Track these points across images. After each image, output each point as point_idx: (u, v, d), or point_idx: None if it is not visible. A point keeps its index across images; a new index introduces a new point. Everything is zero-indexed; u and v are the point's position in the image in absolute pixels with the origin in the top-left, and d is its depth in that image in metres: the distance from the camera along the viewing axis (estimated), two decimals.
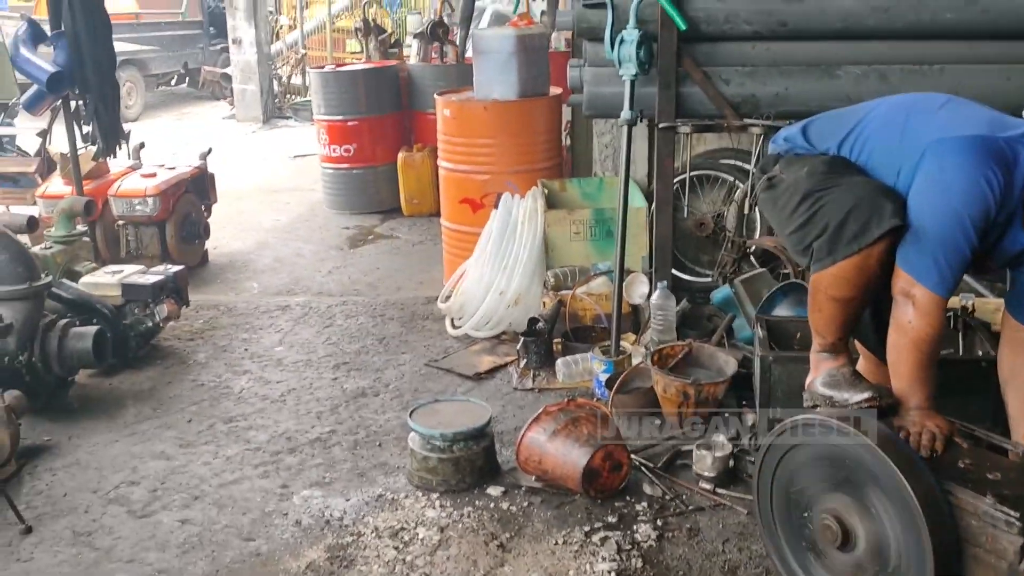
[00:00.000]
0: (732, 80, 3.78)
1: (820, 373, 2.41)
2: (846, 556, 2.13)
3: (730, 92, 3.77)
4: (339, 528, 2.87)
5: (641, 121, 3.81)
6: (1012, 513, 1.87)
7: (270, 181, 8.64)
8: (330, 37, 14.15)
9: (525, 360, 4.02)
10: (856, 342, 2.72)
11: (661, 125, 3.80)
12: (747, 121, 3.75)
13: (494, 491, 3.06)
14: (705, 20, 3.71)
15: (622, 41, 3.64)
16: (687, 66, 3.74)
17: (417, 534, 2.82)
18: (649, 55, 3.68)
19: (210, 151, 6.18)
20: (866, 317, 2.49)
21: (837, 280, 2.22)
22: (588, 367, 3.82)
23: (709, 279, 4.63)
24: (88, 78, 4.88)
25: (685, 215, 4.57)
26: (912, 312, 2.13)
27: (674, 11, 3.60)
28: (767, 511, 2.36)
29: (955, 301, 3.40)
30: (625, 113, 3.69)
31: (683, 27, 3.61)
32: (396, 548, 2.75)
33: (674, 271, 4.83)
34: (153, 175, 5.51)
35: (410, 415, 3.18)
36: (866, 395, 2.24)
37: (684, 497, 3.00)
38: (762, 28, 3.70)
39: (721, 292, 4.12)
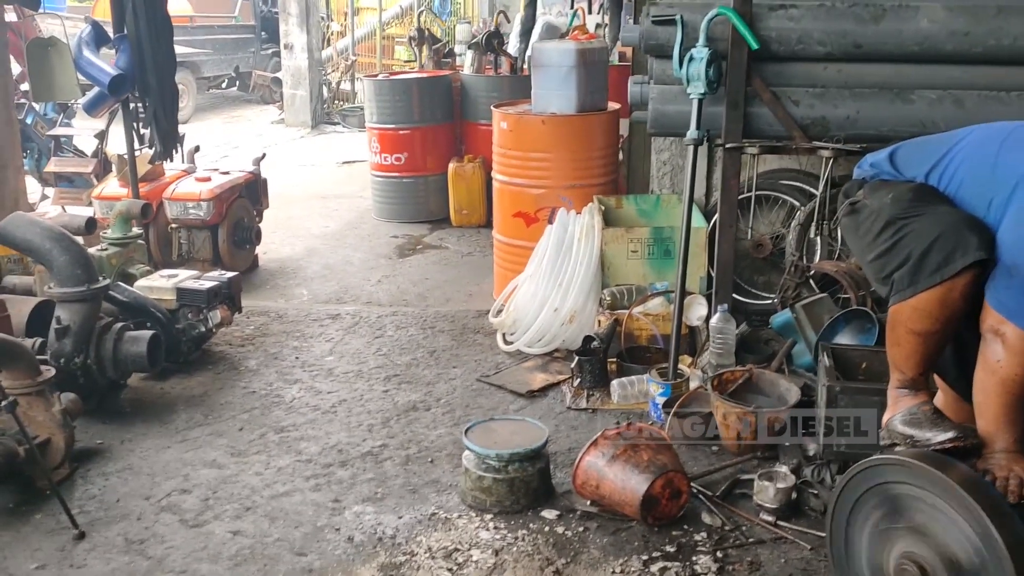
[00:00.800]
0: (802, 101, 3.69)
1: (899, 410, 2.32)
2: None
3: (799, 113, 3.69)
4: (392, 546, 2.82)
5: (708, 141, 3.73)
6: None
7: (319, 187, 8.67)
8: (380, 44, 14.27)
9: (579, 379, 3.96)
10: (936, 376, 2.62)
11: (728, 145, 3.72)
12: (816, 143, 3.66)
13: (549, 514, 3.00)
14: (777, 40, 3.63)
15: (691, 59, 3.58)
16: (756, 86, 3.66)
17: (471, 556, 2.77)
18: (718, 74, 3.61)
19: (263, 156, 6.20)
20: (948, 350, 2.39)
21: (918, 313, 2.13)
22: (644, 389, 3.75)
23: (766, 302, 4.54)
24: (148, 81, 4.92)
25: (744, 235, 4.47)
26: (1002, 351, 2.04)
27: (746, 30, 3.53)
28: (841, 553, 2.27)
29: None
30: (692, 132, 3.62)
31: (755, 46, 3.54)
32: (450, 570, 2.70)
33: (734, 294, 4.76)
34: (208, 179, 5.54)
35: (465, 433, 3.14)
36: (950, 435, 2.15)
37: (744, 529, 2.92)
38: (835, 49, 3.62)
39: (781, 316, 4.02)
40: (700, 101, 3.60)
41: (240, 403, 3.83)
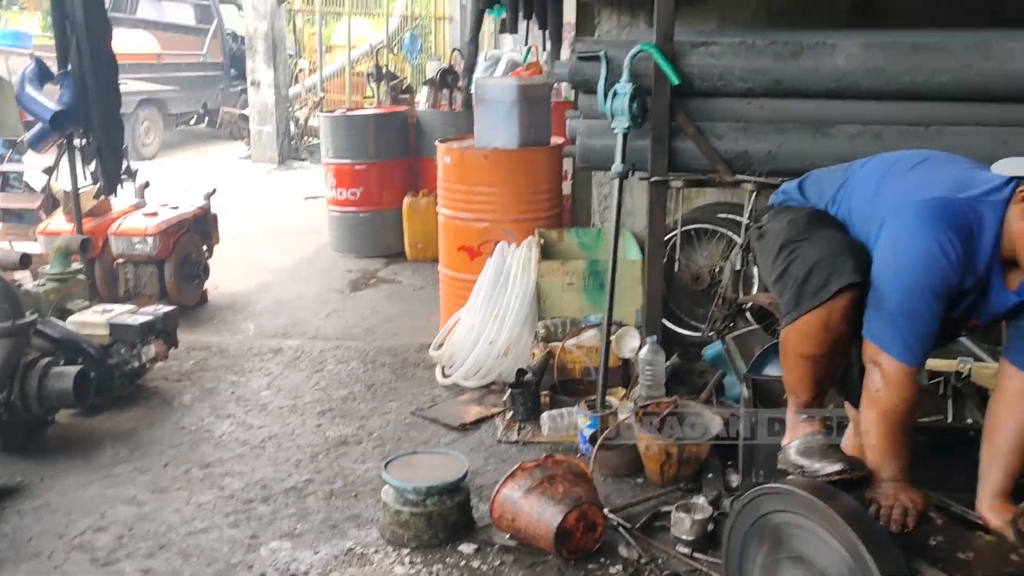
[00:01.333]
0: (726, 136, 3.75)
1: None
2: None
3: (723, 147, 3.74)
4: None
5: (633, 174, 3.77)
6: None
7: (280, 222, 8.68)
8: (349, 81, 14.36)
9: (512, 412, 3.96)
10: (846, 405, 2.64)
11: (653, 179, 3.76)
12: (739, 177, 3.71)
13: (467, 548, 2.99)
14: (700, 76, 3.69)
15: (615, 94, 3.62)
16: (680, 120, 3.72)
17: None
18: (642, 109, 3.66)
19: (214, 191, 6.21)
20: (855, 375, 2.41)
21: (803, 336, 2.16)
22: (573, 421, 3.75)
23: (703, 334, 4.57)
24: (92, 117, 4.93)
25: (676, 268, 4.52)
26: (880, 381, 2.06)
27: (668, 66, 3.58)
28: None
29: (950, 364, 3.32)
30: (616, 166, 3.66)
31: (676, 81, 3.60)
32: None
33: (669, 325, 4.79)
34: (155, 214, 5.54)
35: (385, 467, 3.12)
36: (838, 467, 2.17)
37: (660, 561, 2.91)
38: (756, 86, 3.68)
39: (713, 348, 4.05)
40: (625, 135, 3.64)
41: (168, 439, 3.80)
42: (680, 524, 2.97)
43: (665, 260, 4.70)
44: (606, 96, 3.64)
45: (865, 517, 1.95)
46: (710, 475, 3.36)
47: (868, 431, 2.14)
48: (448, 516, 3.03)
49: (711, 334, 4.02)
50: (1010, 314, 2.12)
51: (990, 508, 2.08)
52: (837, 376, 2.31)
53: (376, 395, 4.31)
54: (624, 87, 3.59)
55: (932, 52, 3.53)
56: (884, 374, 2.05)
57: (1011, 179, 1.95)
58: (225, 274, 6.45)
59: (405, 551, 2.96)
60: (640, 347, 4.00)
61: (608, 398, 3.84)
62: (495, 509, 3.01)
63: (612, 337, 4.09)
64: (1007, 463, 2.11)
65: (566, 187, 5.98)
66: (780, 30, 4.05)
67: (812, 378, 2.25)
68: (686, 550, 2.93)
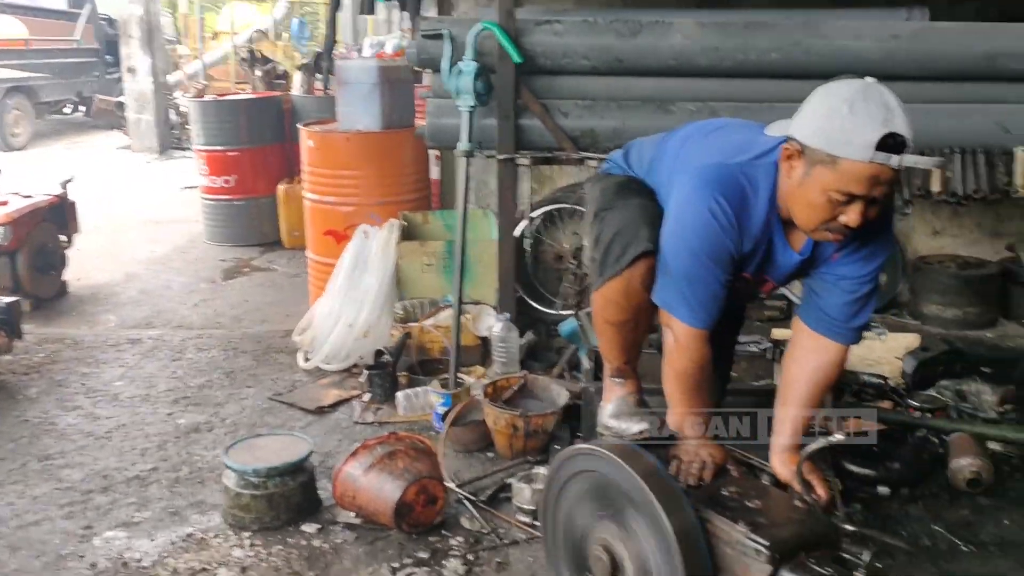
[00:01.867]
0: (571, 113, 3.81)
1: (611, 400, 2.40)
2: None
3: (569, 125, 3.80)
4: (136, 571, 2.74)
5: (480, 152, 3.80)
6: (762, 541, 1.87)
7: (155, 212, 8.42)
8: (234, 67, 14.02)
9: (369, 393, 3.95)
10: None
11: (500, 157, 3.80)
12: (585, 154, 3.78)
13: (309, 528, 2.97)
14: (543, 54, 3.74)
15: (460, 72, 3.64)
16: (526, 98, 3.76)
17: (216, 575, 2.71)
18: (487, 87, 3.69)
19: (71, 179, 5.98)
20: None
21: (607, 303, 2.22)
22: (428, 400, 3.77)
23: (566, 312, 4.64)
24: None
25: (541, 248, 4.58)
26: (672, 344, 2.13)
27: (510, 44, 3.62)
28: (552, 543, 2.33)
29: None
30: (462, 144, 3.69)
31: (518, 60, 3.64)
32: None
33: (535, 304, 4.86)
34: (5, 203, 5.31)
35: (226, 451, 3.08)
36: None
37: (502, 531, 2.96)
38: (599, 63, 3.75)
39: (568, 324, 4.11)
40: (471, 114, 3.66)
41: (8, 432, 3.66)
42: (521, 494, 3.02)
43: (530, 240, 4.78)
44: (450, 74, 3.65)
45: (660, 473, 2.02)
46: (557, 447, 3.42)
47: (669, 391, 2.21)
48: (291, 497, 3.01)
49: (563, 310, 4.08)
50: (800, 273, 2.21)
51: (780, 460, 2.18)
52: (645, 340, 2.38)
53: (235, 382, 4.24)
54: (468, 65, 3.61)
55: (763, 30, 3.66)
56: (676, 337, 2.12)
57: (782, 141, 2.03)
58: (91, 265, 6.25)
59: (246, 534, 2.93)
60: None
61: (464, 376, 3.87)
62: (337, 487, 3.00)
63: (469, 316, 4.13)
64: (796, 417, 2.21)
65: (436, 171, 5.98)
66: (627, 9, 4.13)
67: (620, 343, 2.31)
68: (526, 519, 2.98)
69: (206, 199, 7.23)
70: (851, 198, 1.88)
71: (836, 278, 2.14)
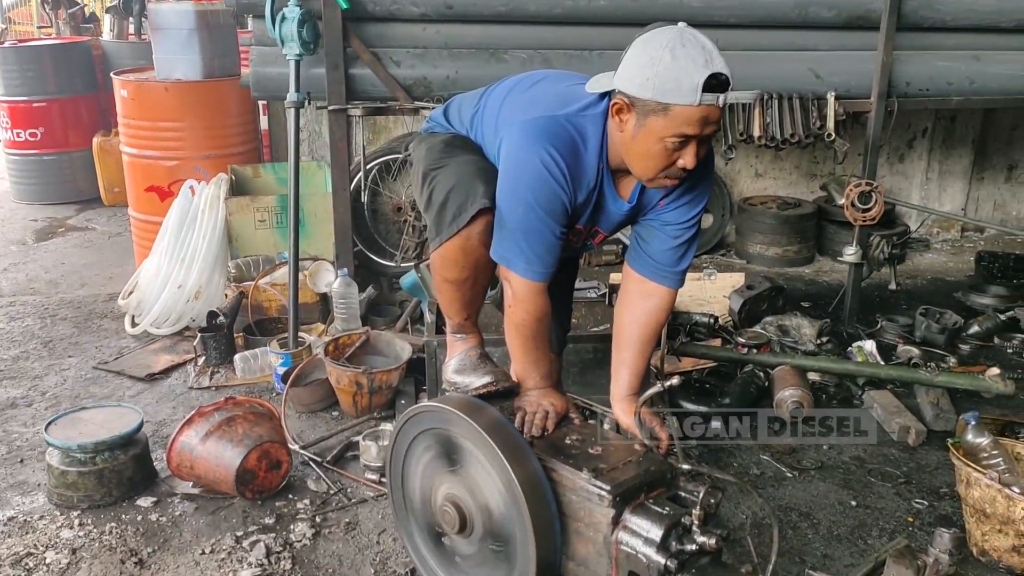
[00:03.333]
0: (403, 62, 3.72)
1: (453, 355, 2.40)
2: (466, 540, 2.12)
3: (401, 74, 3.71)
4: None
5: (310, 103, 3.67)
6: (603, 486, 1.92)
7: None
8: (36, 11, 12.90)
9: (204, 357, 3.79)
10: None
11: (331, 107, 3.67)
12: (419, 104, 3.71)
13: (144, 502, 2.84)
14: (372, 0, 3.62)
15: (283, 19, 3.48)
16: (355, 47, 3.64)
17: (44, 559, 2.56)
18: (314, 34, 3.54)
19: None
20: None
21: (446, 262, 2.19)
22: (267, 361, 3.66)
23: (407, 264, 4.59)
24: None
25: (376, 199, 4.50)
26: (511, 297, 2.14)
27: None
28: (400, 502, 2.32)
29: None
30: (291, 95, 3.54)
31: (345, 6, 3.51)
32: None
33: (372, 256, 4.78)
34: None
35: (46, 428, 2.88)
36: (485, 380, 2.25)
37: (350, 490, 2.93)
38: (430, 10, 3.67)
39: (409, 277, 4.04)
40: (297, 63, 3.51)
41: None
42: (368, 452, 3.00)
43: (366, 192, 4.68)
44: (274, 21, 3.49)
45: (503, 425, 2.03)
46: (403, 402, 3.40)
47: (510, 344, 2.22)
48: (123, 471, 2.86)
49: (402, 263, 4.04)
50: (628, 221, 2.26)
51: (620, 407, 2.24)
52: (485, 295, 2.38)
53: (54, 352, 3.97)
54: (292, 11, 3.46)
55: None
56: (514, 290, 2.12)
57: (606, 93, 2.05)
58: None
59: (75, 513, 2.77)
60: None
61: (304, 335, 3.77)
62: (172, 458, 2.87)
63: (306, 273, 4.02)
64: (632, 363, 2.28)
65: (266, 121, 5.75)
66: None
67: (460, 300, 2.30)
68: (374, 476, 2.95)
69: (11, 154, 6.70)
70: (685, 140, 1.92)
71: (662, 224, 2.20)
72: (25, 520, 2.75)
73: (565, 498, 2.00)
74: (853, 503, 2.89)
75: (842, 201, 4.02)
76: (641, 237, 2.25)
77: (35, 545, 2.62)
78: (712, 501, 1.91)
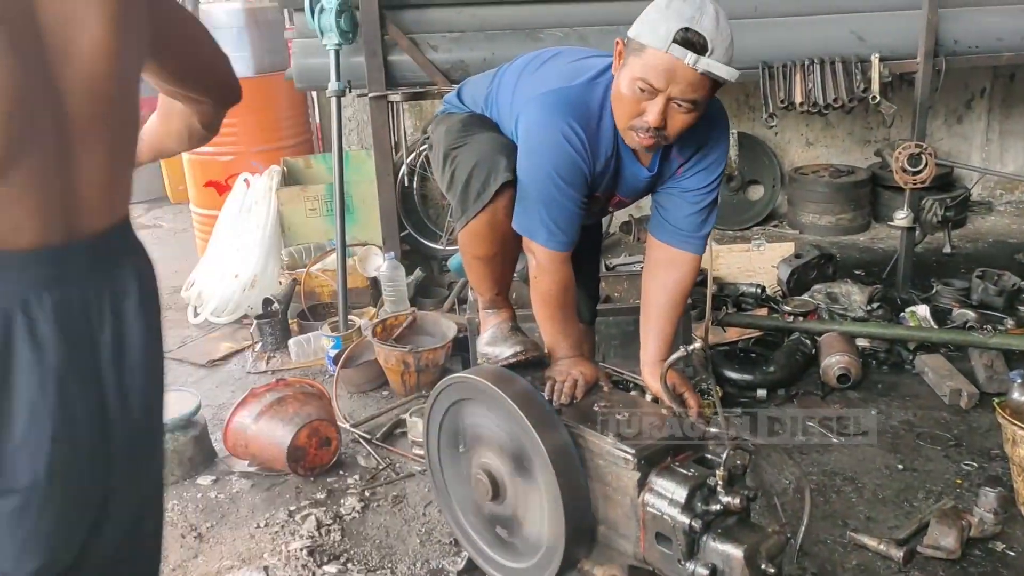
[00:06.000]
0: (440, 46, 3.78)
1: (486, 330, 2.45)
2: (500, 508, 2.18)
3: (439, 58, 3.77)
4: None
5: (351, 91, 3.75)
6: (628, 450, 1.95)
7: None
8: None
9: (260, 343, 3.93)
10: None
11: (371, 95, 3.75)
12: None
13: (204, 480, 2.98)
14: None
15: (322, 10, 3.57)
16: (393, 33, 3.71)
17: None
18: (352, 23, 3.63)
19: None
20: None
21: (474, 239, 2.24)
22: (320, 344, 3.77)
23: (454, 247, 4.66)
24: None
25: (415, 184, 4.57)
26: (536, 268, 2.18)
27: None
28: (438, 475, 2.39)
29: None
30: (332, 84, 3.63)
31: None
32: None
33: (422, 240, 4.86)
34: None
35: None
36: (515, 350, 2.29)
37: (398, 466, 3.02)
38: None
39: (456, 259, 4.12)
40: (337, 52, 3.60)
41: None
42: (415, 428, 3.07)
43: (414, 177, 4.76)
44: (313, 12, 3.58)
45: (531, 394, 2.08)
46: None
47: (538, 315, 2.26)
48: (183, 452, 3.00)
49: (447, 244, 4.11)
50: (649, 189, 2.28)
51: (650, 373, 2.26)
52: (514, 270, 2.42)
53: None
54: (330, 2, 3.54)
55: None
56: (538, 261, 2.16)
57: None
58: None
59: None
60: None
61: (355, 318, 3.88)
62: (228, 438, 3.01)
63: (355, 257, 4.12)
64: (660, 330, 2.30)
65: (317, 114, 5.88)
66: None
67: (490, 276, 2.34)
68: (421, 451, 3.03)
69: None
70: (653, 92, 1.92)
71: (681, 191, 2.21)
72: None
73: (593, 463, 2.04)
74: (900, 467, 2.87)
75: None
76: (662, 206, 2.27)
77: None
78: (738, 463, 1.93)
